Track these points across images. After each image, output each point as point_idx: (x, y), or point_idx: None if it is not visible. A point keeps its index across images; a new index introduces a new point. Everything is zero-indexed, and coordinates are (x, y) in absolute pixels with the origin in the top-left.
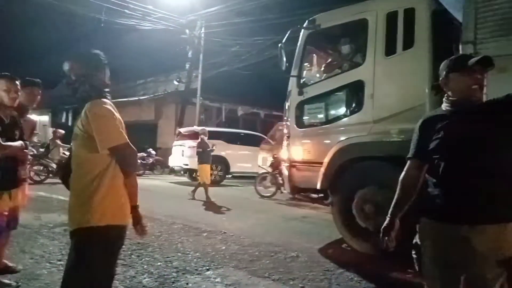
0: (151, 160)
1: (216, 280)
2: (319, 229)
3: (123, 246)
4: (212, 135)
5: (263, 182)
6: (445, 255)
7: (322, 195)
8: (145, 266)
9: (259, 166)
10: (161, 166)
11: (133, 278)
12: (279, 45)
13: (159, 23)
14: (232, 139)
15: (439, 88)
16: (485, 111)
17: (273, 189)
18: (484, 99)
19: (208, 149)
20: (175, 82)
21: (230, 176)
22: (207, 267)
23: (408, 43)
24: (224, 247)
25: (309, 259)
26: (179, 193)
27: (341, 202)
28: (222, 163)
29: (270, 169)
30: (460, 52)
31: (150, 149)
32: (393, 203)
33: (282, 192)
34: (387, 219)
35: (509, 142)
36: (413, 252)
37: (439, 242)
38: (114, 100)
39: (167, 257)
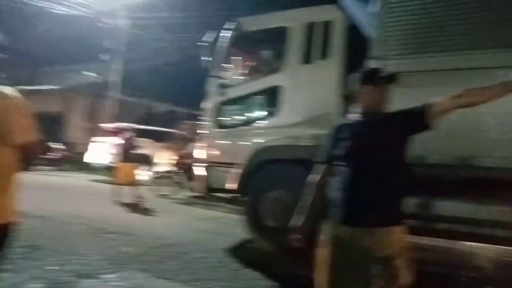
0: (59, 155)
1: (117, 283)
2: (232, 229)
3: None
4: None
5: (165, 180)
6: (338, 255)
7: (235, 195)
8: (35, 271)
9: (161, 164)
10: (70, 162)
11: (20, 285)
12: (201, 44)
13: (76, 8)
14: (157, 137)
15: (350, 98)
16: (385, 122)
17: (176, 187)
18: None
19: (135, 148)
20: (88, 73)
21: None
22: (109, 270)
23: (324, 54)
24: (130, 249)
25: (218, 260)
26: (95, 192)
27: (253, 202)
28: (146, 162)
29: (174, 168)
30: (367, 65)
31: (54, 143)
32: (307, 205)
33: (189, 191)
34: (300, 220)
35: (402, 152)
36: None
37: (334, 242)
38: (18, 88)
39: (64, 261)
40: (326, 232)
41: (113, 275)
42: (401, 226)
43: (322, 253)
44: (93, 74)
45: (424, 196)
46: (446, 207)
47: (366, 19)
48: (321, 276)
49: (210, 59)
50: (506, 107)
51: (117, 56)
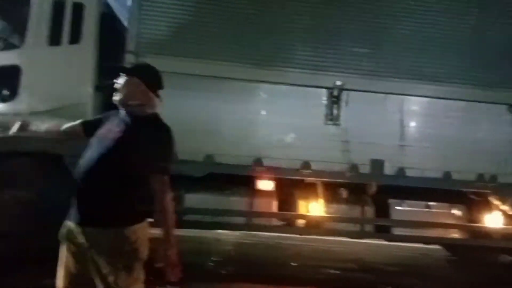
0: None
1: None
2: None
3: None
4: None
5: None
6: (70, 253)
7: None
8: None
9: None
10: None
11: None
12: None
13: None
14: None
15: (105, 89)
16: (137, 127)
17: None
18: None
19: None
20: None
21: None
22: None
23: (75, 38)
24: None
25: None
26: None
27: None
28: None
29: None
30: (125, 60)
31: None
32: None
33: None
34: None
35: (137, 159)
36: None
37: (67, 240)
38: None
39: None
40: (64, 227)
41: None
42: (135, 225)
43: (61, 249)
44: None
45: (175, 191)
46: (194, 199)
47: (123, 11)
48: (59, 272)
49: None
50: (239, 115)
51: None
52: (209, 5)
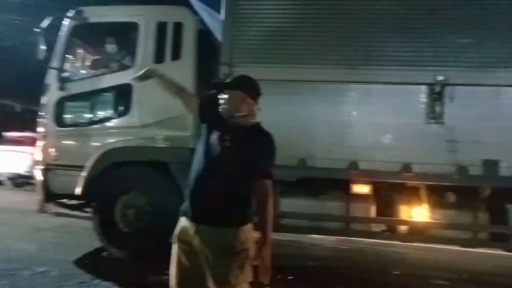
0: None
1: None
2: (79, 239)
3: None
4: None
5: None
6: (183, 251)
7: (82, 201)
8: None
9: None
10: None
11: None
12: (37, 30)
13: None
14: None
15: (204, 100)
16: (244, 134)
17: None
18: None
19: None
20: None
21: None
22: None
23: (176, 55)
24: None
25: (62, 273)
26: None
27: (102, 208)
28: None
29: None
30: (220, 71)
31: None
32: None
33: None
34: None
35: (246, 161)
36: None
37: (181, 238)
38: None
39: None
40: (177, 227)
41: None
42: (245, 225)
43: (174, 248)
44: None
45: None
46: (289, 204)
47: (216, 25)
48: (172, 270)
49: (45, 48)
50: (332, 118)
51: None
52: (299, 12)
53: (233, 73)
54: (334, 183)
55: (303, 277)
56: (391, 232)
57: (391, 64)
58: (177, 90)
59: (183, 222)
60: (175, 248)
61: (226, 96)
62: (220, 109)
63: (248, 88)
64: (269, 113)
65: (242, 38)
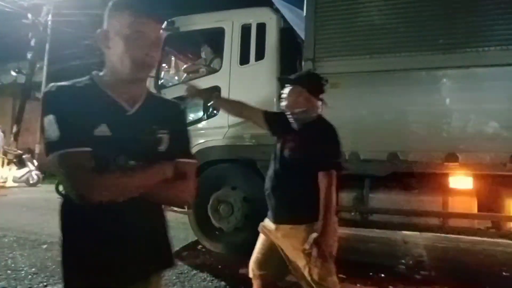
0: None
1: None
2: (175, 232)
3: None
4: None
5: None
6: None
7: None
8: None
9: None
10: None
11: None
12: None
13: None
14: None
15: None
16: (309, 129)
17: None
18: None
19: None
20: (13, 73)
21: None
22: (45, 283)
23: (260, 55)
24: None
25: None
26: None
27: (197, 204)
28: None
29: None
30: (303, 67)
31: None
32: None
33: None
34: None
35: (314, 156)
36: None
37: (263, 232)
38: None
39: None
40: (261, 224)
41: None
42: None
43: (258, 240)
44: (14, 74)
45: (359, 190)
46: (379, 199)
47: (299, 21)
48: (253, 258)
49: None
50: (426, 107)
51: (42, 53)
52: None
53: (317, 68)
54: (429, 177)
55: (395, 275)
56: (496, 229)
57: (495, 44)
58: (240, 109)
59: (267, 220)
60: (260, 238)
61: (287, 91)
62: (281, 105)
63: (308, 83)
64: (357, 106)
65: (325, 33)
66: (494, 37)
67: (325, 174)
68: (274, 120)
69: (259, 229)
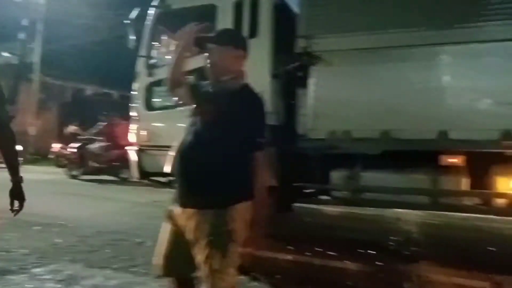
0: None
1: (46, 277)
2: None
3: None
4: None
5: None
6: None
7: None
8: None
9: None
10: None
11: None
12: (126, 21)
13: None
14: None
15: (281, 76)
16: (229, 96)
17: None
18: (310, 90)
19: None
20: (6, 54)
21: None
22: (36, 264)
23: (253, 33)
24: (60, 240)
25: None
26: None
27: None
28: None
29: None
30: (297, 44)
31: None
32: None
33: None
34: None
35: (232, 136)
36: None
37: (169, 218)
38: None
39: None
40: (166, 210)
41: (40, 269)
42: (236, 205)
43: (162, 229)
44: (7, 55)
45: (352, 169)
46: (371, 178)
47: None
48: (157, 251)
49: (135, 37)
50: (419, 85)
51: (35, 34)
52: None
53: (312, 45)
54: (421, 155)
55: (386, 252)
56: (486, 206)
57: (495, 18)
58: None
59: (173, 204)
60: (165, 227)
61: (213, 53)
62: (205, 72)
63: (241, 42)
64: (349, 84)
65: (318, 9)
66: (493, 11)
67: (253, 157)
68: (199, 91)
69: (165, 216)
